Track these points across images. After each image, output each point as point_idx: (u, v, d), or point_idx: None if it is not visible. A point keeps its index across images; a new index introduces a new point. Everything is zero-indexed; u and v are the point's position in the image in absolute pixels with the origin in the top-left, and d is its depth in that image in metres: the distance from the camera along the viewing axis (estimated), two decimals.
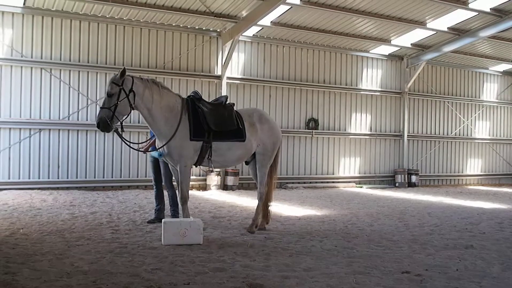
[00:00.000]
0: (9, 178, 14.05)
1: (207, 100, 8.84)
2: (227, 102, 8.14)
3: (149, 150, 8.84)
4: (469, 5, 15.26)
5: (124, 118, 7.32)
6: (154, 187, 9.18)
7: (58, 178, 14.60)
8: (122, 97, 7.08)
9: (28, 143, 14.31)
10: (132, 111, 7.38)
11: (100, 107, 7.18)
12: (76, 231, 7.78)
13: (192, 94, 7.96)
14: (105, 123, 7.00)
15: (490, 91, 23.08)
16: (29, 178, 14.27)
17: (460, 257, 6.52)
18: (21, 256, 5.94)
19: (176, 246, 6.72)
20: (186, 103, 7.68)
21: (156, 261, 5.90)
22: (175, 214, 8.88)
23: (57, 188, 14.29)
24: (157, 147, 7.87)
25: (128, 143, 7.77)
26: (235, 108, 8.25)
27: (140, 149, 9.04)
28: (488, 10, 15.73)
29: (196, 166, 8.03)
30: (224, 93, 16.33)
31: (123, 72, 7.12)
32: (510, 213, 11.70)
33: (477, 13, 15.93)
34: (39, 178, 14.36)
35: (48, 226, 8.18)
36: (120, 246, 6.66)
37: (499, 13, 15.88)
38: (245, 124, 8.05)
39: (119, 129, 7.28)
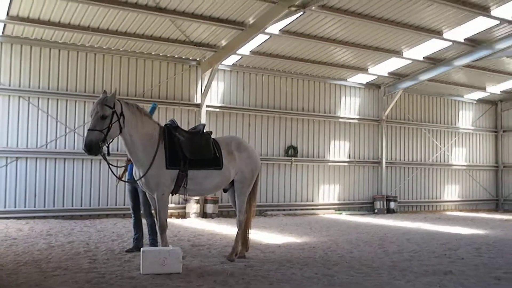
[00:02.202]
0: None
1: (186, 128, 8.89)
2: (204, 131, 8.17)
3: (125, 178, 8.79)
4: (443, 35, 15.68)
5: (110, 142, 7.12)
6: (132, 215, 9.10)
7: (34, 207, 14.37)
8: (114, 120, 6.97)
9: (4, 171, 14.10)
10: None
11: (90, 129, 6.88)
12: (53, 261, 7.64)
13: (168, 122, 7.96)
14: (97, 145, 6.81)
15: (465, 118, 23.52)
16: (4, 207, 14.00)
17: (439, 283, 6.55)
18: None
19: (155, 275, 6.64)
20: (163, 131, 7.68)
21: None
22: (153, 243, 8.78)
23: (34, 217, 14.02)
24: (134, 176, 7.76)
25: (113, 171, 7.62)
26: (214, 136, 8.28)
27: (118, 179, 8.63)
28: (462, 40, 16.17)
29: (172, 195, 7.97)
30: (203, 121, 16.38)
31: (114, 94, 7.06)
32: (488, 239, 11.83)
33: (452, 43, 16.37)
34: (15, 207, 14.12)
35: (23, 256, 8.02)
36: (98, 276, 6.56)
37: (472, 43, 16.36)
38: (222, 152, 8.04)
39: (105, 154, 7.06)
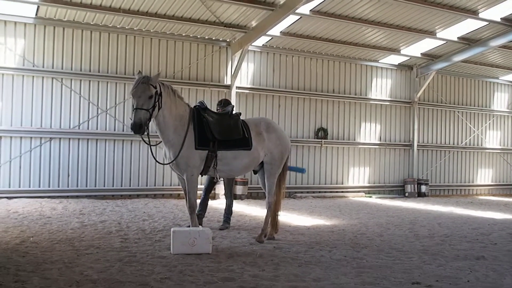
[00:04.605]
0: (19, 187, 14.13)
1: (215, 109, 8.95)
2: (233, 112, 8.20)
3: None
4: (479, 14, 15.23)
5: (149, 122, 7.17)
6: (203, 194, 9.67)
7: (68, 187, 14.67)
8: (156, 100, 7.08)
9: (38, 151, 14.40)
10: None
11: (138, 108, 6.91)
12: (86, 240, 7.80)
13: (197, 104, 8.01)
14: (145, 124, 6.91)
15: (500, 100, 22.96)
16: (39, 187, 14.34)
17: (471, 268, 6.46)
18: (31, 264, 5.96)
19: (185, 255, 6.72)
20: (192, 112, 7.72)
21: (165, 270, 5.90)
22: (227, 220, 9.61)
23: (67, 197, 14.34)
24: (164, 158, 7.78)
25: (153, 151, 7.65)
26: (244, 117, 8.28)
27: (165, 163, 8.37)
28: (499, 20, 15.68)
29: (202, 176, 8.03)
30: (233, 102, 16.36)
31: (158, 75, 7.22)
32: None
33: (488, 23, 15.90)
34: (49, 187, 14.44)
35: (57, 235, 8.21)
36: (129, 255, 6.67)
37: (509, 22, 15.85)
38: (251, 133, 8.05)
39: (148, 134, 7.18)
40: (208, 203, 9.85)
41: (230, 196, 9.70)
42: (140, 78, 7.07)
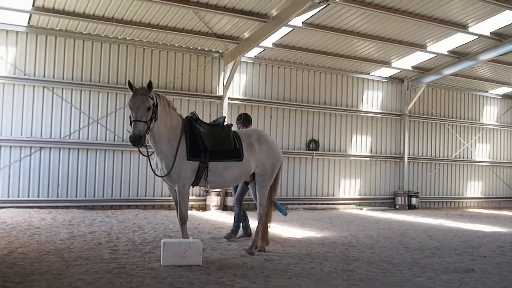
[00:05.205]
0: (8, 196, 14.01)
1: (207, 120, 8.96)
2: (225, 123, 8.20)
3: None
4: (469, 29, 15.39)
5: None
6: (236, 207, 9.71)
7: (57, 197, 14.56)
8: (154, 111, 7.05)
9: (28, 161, 14.31)
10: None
11: (137, 120, 6.87)
12: (75, 251, 7.73)
13: (189, 115, 8.01)
14: (144, 136, 6.90)
15: (490, 114, 23.15)
16: (28, 197, 14.23)
17: (460, 281, 6.48)
18: (19, 276, 5.90)
19: (175, 267, 6.68)
20: (184, 123, 7.71)
21: (155, 282, 5.86)
22: (235, 230, 9.58)
23: (56, 207, 14.23)
24: (155, 169, 7.74)
25: (151, 164, 7.67)
26: (235, 128, 8.28)
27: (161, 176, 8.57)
28: (488, 34, 15.86)
29: (193, 186, 8.00)
30: (225, 113, 16.39)
31: (151, 85, 7.09)
32: (511, 237, 11.64)
33: (477, 37, 16.07)
34: (38, 197, 14.33)
35: (46, 245, 8.14)
36: (118, 267, 6.62)
37: (498, 37, 16.02)
38: (243, 144, 8.05)
39: (146, 145, 7.18)
40: (243, 211, 9.75)
41: (238, 205, 9.60)
42: (138, 89, 7.06)
